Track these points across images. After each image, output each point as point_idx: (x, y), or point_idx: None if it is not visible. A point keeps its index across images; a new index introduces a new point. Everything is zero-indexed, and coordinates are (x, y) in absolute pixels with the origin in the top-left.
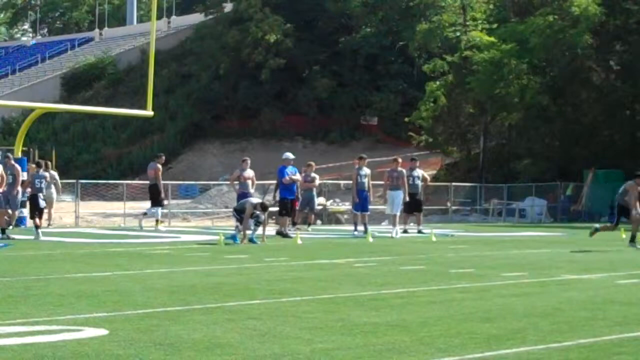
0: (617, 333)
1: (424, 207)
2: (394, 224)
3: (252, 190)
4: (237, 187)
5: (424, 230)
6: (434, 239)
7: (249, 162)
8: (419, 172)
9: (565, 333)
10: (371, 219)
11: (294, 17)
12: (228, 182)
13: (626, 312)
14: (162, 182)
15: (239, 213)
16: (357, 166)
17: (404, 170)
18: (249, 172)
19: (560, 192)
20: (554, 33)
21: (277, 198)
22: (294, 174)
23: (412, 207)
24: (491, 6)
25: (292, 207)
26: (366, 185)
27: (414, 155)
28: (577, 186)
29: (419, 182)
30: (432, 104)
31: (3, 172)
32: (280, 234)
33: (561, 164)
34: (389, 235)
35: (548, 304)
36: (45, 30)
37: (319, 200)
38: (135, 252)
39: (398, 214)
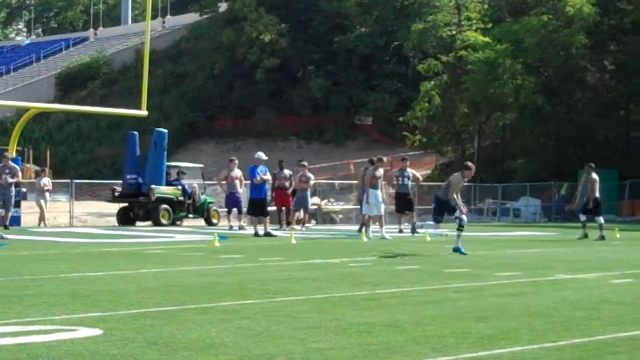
0: (612, 333)
1: (418, 207)
2: (381, 225)
3: (240, 190)
4: (225, 187)
5: (418, 230)
6: (428, 238)
7: (236, 162)
8: (409, 172)
9: (560, 333)
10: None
11: (288, 17)
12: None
13: (620, 311)
14: None
15: None
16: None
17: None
18: (237, 172)
19: (554, 191)
20: (549, 33)
21: (273, 195)
22: (264, 174)
23: (404, 207)
24: (486, 6)
25: (262, 206)
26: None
27: (406, 155)
28: (572, 186)
29: (409, 182)
30: (426, 104)
31: None
32: (268, 234)
33: (555, 163)
34: (378, 236)
35: (542, 303)
36: (40, 29)
37: (314, 200)
38: (130, 252)
39: (383, 213)
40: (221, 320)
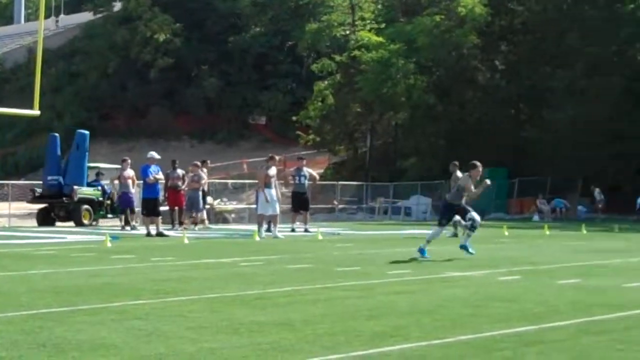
0: (498, 329)
1: (312, 206)
2: (275, 224)
3: (132, 190)
4: (118, 187)
5: (310, 229)
6: (320, 237)
7: (129, 162)
8: (306, 171)
9: (448, 329)
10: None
11: (183, 17)
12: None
13: (507, 308)
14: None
15: None
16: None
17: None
18: (129, 172)
19: (445, 190)
20: (441, 33)
21: (166, 195)
22: (157, 173)
23: (300, 206)
24: (379, 6)
25: (154, 206)
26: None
27: (302, 154)
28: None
29: (305, 181)
30: (320, 103)
31: None
32: (160, 234)
33: (446, 162)
34: (271, 235)
35: (431, 301)
36: None
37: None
38: (20, 253)
39: (278, 213)
40: (112, 320)
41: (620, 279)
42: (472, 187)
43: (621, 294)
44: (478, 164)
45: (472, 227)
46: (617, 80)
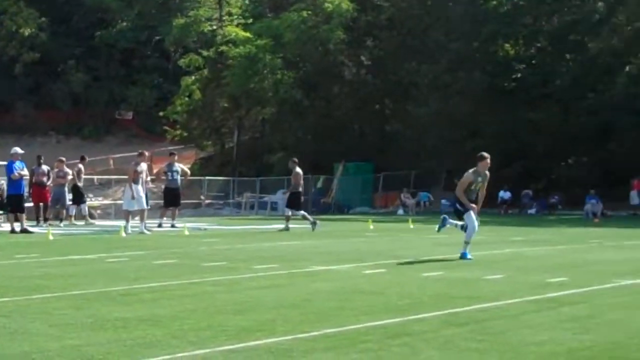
0: (364, 322)
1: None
2: (142, 219)
3: None
4: None
5: (177, 224)
6: (186, 232)
7: None
8: (177, 166)
9: (314, 323)
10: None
11: (49, 11)
12: None
13: (372, 301)
14: None
15: None
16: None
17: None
18: None
19: (311, 185)
20: (308, 29)
21: (30, 191)
22: (22, 169)
23: (171, 202)
24: (247, 1)
25: (19, 202)
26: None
27: (169, 149)
28: (328, 179)
29: (178, 177)
30: (187, 99)
31: None
32: (25, 231)
33: (313, 157)
34: (137, 231)
35: (297, 295)
36: None
37: (71, 196)
38: None
39: (145, 208)
40: None
41: (482, 272)
42: (479, 179)
43: (481, 286)
44: (486, 155)
45: (442, 227)
46: (480, 76)
